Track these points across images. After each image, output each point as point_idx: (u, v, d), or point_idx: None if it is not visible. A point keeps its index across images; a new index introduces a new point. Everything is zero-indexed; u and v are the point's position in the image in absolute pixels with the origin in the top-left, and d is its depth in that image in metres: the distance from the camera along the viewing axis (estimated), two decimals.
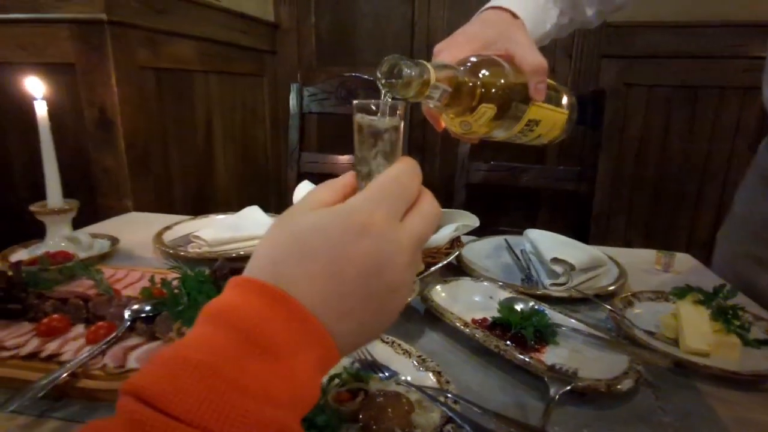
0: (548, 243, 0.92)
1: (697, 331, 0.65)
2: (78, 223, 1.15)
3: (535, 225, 1.17)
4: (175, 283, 0.72)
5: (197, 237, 1.00)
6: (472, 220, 0.96)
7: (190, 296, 0.68)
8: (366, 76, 1.81)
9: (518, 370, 0.61)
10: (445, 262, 0.84)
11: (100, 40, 1.36)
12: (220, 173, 2.04)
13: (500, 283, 0.81)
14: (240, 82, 2.16)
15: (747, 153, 2.05)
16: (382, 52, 2.33)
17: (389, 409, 0.47)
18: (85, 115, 1.44)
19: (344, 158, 1.87)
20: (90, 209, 1.47)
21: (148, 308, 0.68)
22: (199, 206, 1.24)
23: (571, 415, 0.54)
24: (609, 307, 0.75)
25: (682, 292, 0.70)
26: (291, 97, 1.86)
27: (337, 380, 0.52)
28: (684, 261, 1.05)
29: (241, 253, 0.99)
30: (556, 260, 0.85)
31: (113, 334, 0.62)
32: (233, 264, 0.75)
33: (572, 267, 0.85)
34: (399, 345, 0.61)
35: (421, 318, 0.77)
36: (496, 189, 1.81)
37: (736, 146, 2.08)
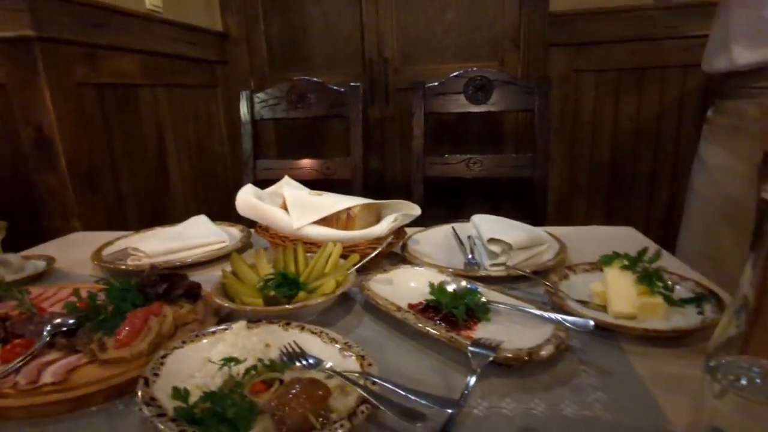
0: (488, 225, 0.93)
1: (623, 295, 0.66)
2: (22, 247, 1.12)
3: (498, 214, 1.18)
4: (101, 295, 0.70)
5: (136, 249, 0.97)
6: (413, 209, 0.96)
7: (114, 306, 0.66)
8: (315, 79, 1.80)
9: (449, 350, 0.61)
10: (377, 251, 0.83)
11: (30, 58, 1.32)
12: (176, 188, 2.00)
13: (438, 268, 0.81)
14: (191, 94, 2.13)
15: (692, 129, 2.12)
16: (334, 55, 2.35)
17: (303, 396, 0.46)
18: (21, 136, 1.39)
19: (302, 162, 1.86)
20: (36, 232, 1.42)
21: (70, 322, 0.66)
22: (156, 223, 1.21)
23: (495, 386, 0.54)
24: (544, 281, 0.76)
25: (608, 259, 0.71)
26: (241, 104, 1.84)
27: (252, 372, 0.51)
28: (627, 234, 1.07)
29: (188, 261, 0.97)
30: (493, 240, 0.86)
31: (28, 352, 0.60)
32: (161, 271, 0.74)
33: (510, 246, 0.85)
34: (326, 334, 0.60)
35: (359, 309, 0.76)
36: (455, 181, 1.82)
37: (682, 123, 2.15)
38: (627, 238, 1.04)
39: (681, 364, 0.56)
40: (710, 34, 1.10)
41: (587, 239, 1.04)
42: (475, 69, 1.72)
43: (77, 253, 1.07)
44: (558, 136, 2.29)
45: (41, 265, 0.97)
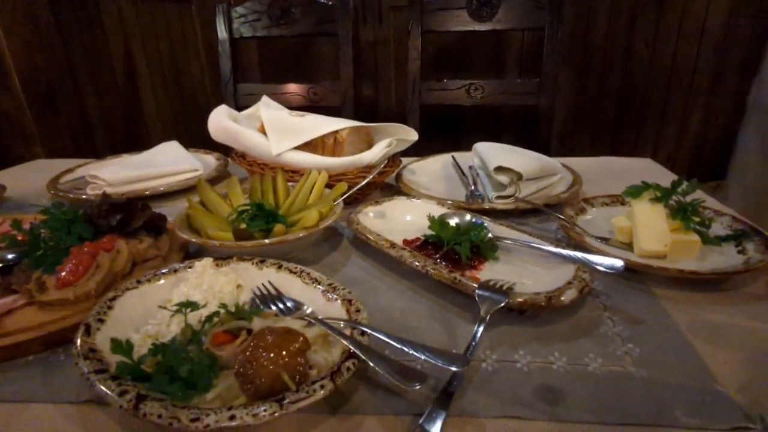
0: (494, 153, 0.82)
1: (653, 231, 0.57)
2: None
3: None
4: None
5: (95, 177, 0.86)
6: (410, 134, 0.84)
7: (54, 239, 0.56)
8: None
9: (451, 292, 0.52)
10: (367, 179, 0.72)
11: None
12: (150, 112, 1.85)
13: (437, 200, 0.71)
14: (161, 10, 1.91)
15: (712, 56, 1.96)
16: None
17: (275, 350, 0.37)
18: None
19: (287, 87, 1.69)
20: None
21: (8, 257, 0.56)
22: (131, 152, 1.10)
23: (505, 336, 0.46)
24: (559, 215, 0.66)
25: (636, 191, 0.61)
26: (217, 20, 1.64)
27: (215, 319, 0.42)
28: (646, 166, 0.97)
29: (159, 191, 0.86)
30: (500, 169, 0.75)
31: None
32: (115, 199, 0.63)
33: (519, 176, 0.75)
34: (308, 274, 0.51)
35: (347, 245, 0.67)
36: (453, 109, 1.68)
37: (701, 50, 1.98)
38: (646, 170, 0.94)
39: (723, 311, 0.48)
40: None
41: (602, 171, 0.94)
42: None
43: (34, 182, 0.95)
44: (566, 62, 2.11)
45: None
